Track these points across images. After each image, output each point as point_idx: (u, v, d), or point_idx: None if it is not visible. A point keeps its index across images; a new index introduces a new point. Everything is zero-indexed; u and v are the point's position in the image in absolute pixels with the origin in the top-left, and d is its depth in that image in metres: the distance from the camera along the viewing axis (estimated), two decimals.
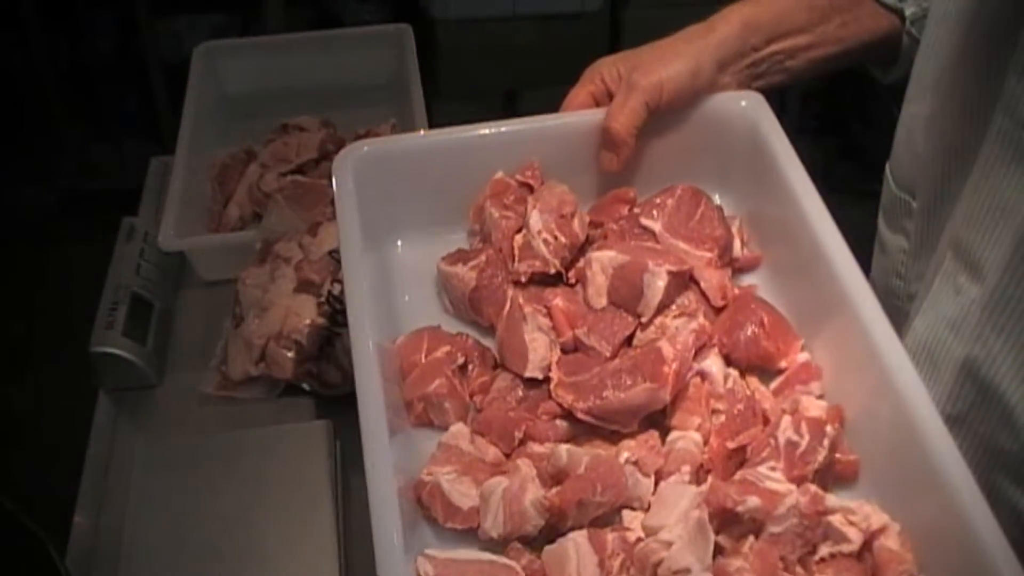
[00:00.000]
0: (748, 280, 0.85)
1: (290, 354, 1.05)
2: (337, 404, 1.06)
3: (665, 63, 0.85)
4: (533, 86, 2.55)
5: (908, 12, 0.88)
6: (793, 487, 0.67)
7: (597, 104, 0.87)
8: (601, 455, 0.70)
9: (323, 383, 1.06)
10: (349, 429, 1.01)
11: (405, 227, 0.87)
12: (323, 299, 1.06)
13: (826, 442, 0.69)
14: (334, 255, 1.08)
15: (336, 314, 1.05)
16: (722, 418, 0.74)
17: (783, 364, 0.78)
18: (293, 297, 1.08)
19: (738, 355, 0.78)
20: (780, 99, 3.04)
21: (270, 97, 1.43)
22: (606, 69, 0.87)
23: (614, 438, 0.74)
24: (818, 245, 0.76)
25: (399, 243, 0.88)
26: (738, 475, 0.70)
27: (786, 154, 0.83)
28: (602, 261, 0.79)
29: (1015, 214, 0.70)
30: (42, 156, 2.72)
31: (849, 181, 2.35)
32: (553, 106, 0.90)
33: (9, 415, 2.08)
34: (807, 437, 0.70)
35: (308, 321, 1.05)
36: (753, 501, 0.66)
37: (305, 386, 1.07)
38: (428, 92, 1.32)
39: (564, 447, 0.71)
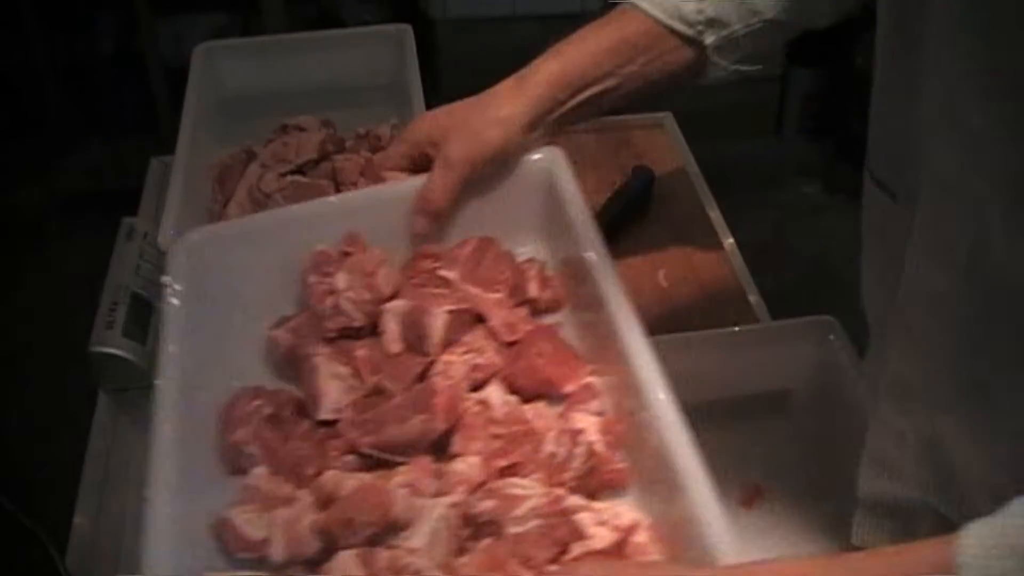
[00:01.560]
0: (552, 319, 0.93)
1: None
2: None
3: (479, 138, 0.90)
4: None
5: (708, 41, 0.91)
6: (536, 490, 0.74)
7: (413, 162, 0.94)
8: (367, 480, 0.77)
9: None
10: None
11: (243, 302, 0.93)
12: None
13: (580, 450, 0.77)
14: None
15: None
16: (500, 442, 0.81)
17: (569, 388, 0.85)
18: None
19: (522, 383, 0.86)
20: (780, 99, 3.04)
21: (270, 97, 1.43)
22: (423, 132, 0.94)
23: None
24: (597, 286, 0.86)
25: (240, 317, 0.94)
26: (487, 486, 0.77)
27: (575, 202, 0.92)
28: (393, 310, 0.89)
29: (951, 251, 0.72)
30: (42, 156, 2.72)
31: (849, 181, 2.36)
32: None
33: (9, 415, 2.08)
34: (565, 447, 0.78)
35: None
36: (486, 504, 0.73)
37: None
38: (428, 92, 1.32)
39: (331, 474, 0.78)
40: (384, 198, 0.96)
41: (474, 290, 0.90)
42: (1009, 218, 0.66)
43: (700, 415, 0.98)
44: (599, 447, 0.79)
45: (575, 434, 0.79)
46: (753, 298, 1.15)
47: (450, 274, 0.91)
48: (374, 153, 1.27)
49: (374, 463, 0.81)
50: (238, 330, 0.92)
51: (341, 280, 0.90)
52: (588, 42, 0.92)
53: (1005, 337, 0.71)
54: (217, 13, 2.70)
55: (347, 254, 0.94)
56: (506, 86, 0.92)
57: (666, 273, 1.18)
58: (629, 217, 1.25)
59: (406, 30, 1.43)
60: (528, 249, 0.97)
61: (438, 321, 0.86)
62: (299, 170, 1.25)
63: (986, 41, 0.63)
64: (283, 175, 1.23)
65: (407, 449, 0.80)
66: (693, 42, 0.91)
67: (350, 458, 0.81)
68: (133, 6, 2.52)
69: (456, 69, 2.49)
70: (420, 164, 0.94)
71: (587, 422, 0.81)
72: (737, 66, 0.93)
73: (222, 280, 0.92)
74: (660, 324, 1.10)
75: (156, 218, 1.20)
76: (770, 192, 2.67)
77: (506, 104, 0.91)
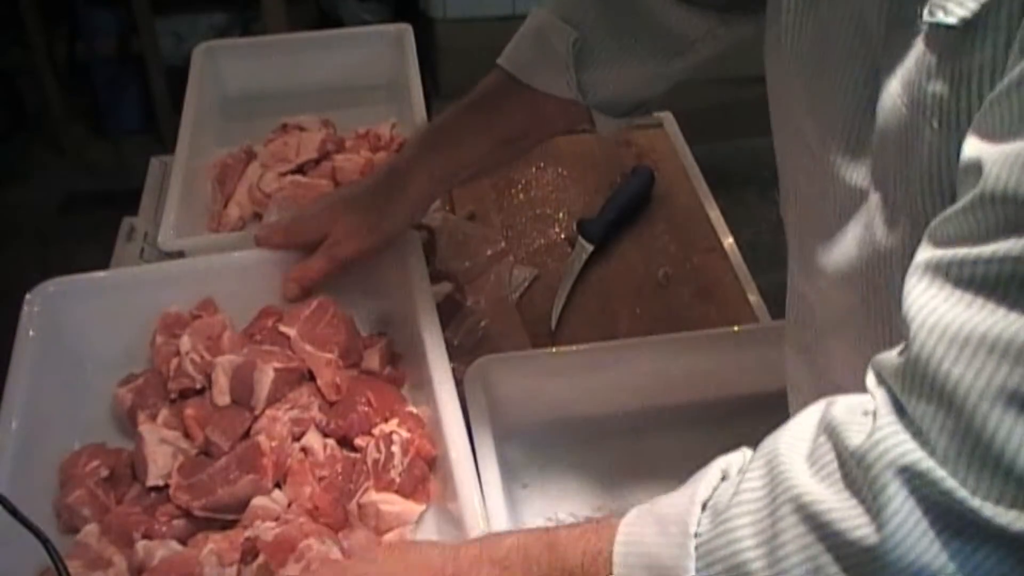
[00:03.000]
0: None
1: None
2: None
3: (362, 238, 0.96)
4: None
5: (589, 99, 0.94)
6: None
7: (296, 236, 0.99)
8: (177, 549, 0.81)
9: None
10: None
11: (98, 356, 0.96)
12: None
13: (395, 448, 0.83)
14: None
15: None
16: (326, 481, 0.86)
17: (394, 421, 0.90)
18: None
19: (354, 433, 0.89)
20: None
21: (270, 97, 1.43)
22: (321, 223, 0.98)
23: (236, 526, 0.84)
24: (428, 369, 0.89)
25: (94, 371, 0.96)
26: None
27: (420, 276, 0.98)
28: (223, 364, 0.91)
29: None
30: (42, 156, 2.72)
31: None
32: None
33: None
34: (384, 450, 0.85)
35: None
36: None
37: None
38: (428, 92, 1.32)
39: (142, 543, 0.81)
40: (238, 264, 1.01)
41: (308, 348, 0.93)
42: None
43: (700, 415, 0.98)
44: (415, 440, 0.85)
45: (387, 438, 0.86)
46: (753, 298, 1.15)
47: (289, 330, 0.94)
48: (374, 153, 1.28)
49: (206, 524, 0.83)
50: (90, 383, 0.94)
51: (185, 343, 0.93)
52: (466, 136, 0.95)
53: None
54: (217, 13, 2.70)
55: (197, 317, 0.97)
56: (389, 187, 0.96)
57: (666, 273, 1.18)
58: (629, 217, 1.25)
59: (406, 30, 1.43)
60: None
61: (266, 377, 0.89)
62: (299, 170, 1.25)
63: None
64: (283, 175, 1.24)
65: (238, 507, 0.83)
66: (575, 104, 0.94)
67: (180, 521, 0.83)
68: (133, 6, 2.52)
69: (456, 69, 2.49)
70: (296, 241, 0.99)
71: (400, 432, 0.86)
72: (623, 119, 0.96)
73: (78, 332, 0.94)
74: (660, 324, 1.10)
75: (156, 218, 1.20)
76: (770, 192, 2.67)
77: (390, 212, 0.96)
